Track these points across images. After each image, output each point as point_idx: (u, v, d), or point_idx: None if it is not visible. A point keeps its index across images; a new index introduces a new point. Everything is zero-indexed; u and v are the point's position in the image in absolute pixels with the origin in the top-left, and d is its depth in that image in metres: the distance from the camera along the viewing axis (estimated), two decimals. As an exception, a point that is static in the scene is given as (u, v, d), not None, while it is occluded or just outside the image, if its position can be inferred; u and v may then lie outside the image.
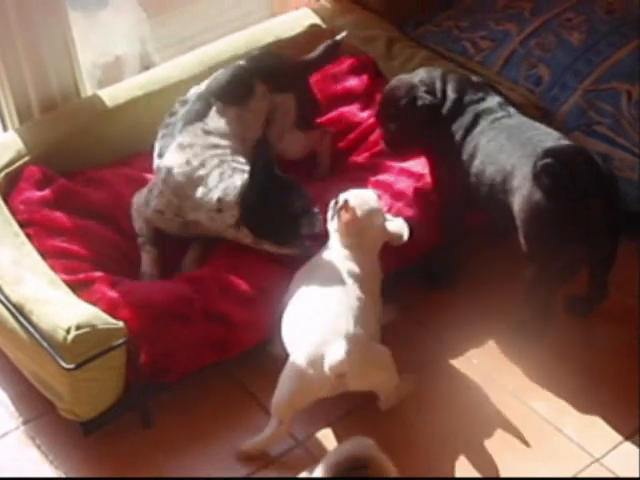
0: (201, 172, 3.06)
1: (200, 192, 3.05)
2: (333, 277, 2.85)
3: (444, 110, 3.09)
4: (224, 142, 3.15)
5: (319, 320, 2.75)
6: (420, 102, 3.08)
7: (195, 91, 3.26)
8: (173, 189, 3.10)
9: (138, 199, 3.21)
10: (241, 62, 3.37)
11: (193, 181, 3.06)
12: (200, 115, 3.18)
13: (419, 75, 3.16)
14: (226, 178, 3.04)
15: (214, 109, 3.20)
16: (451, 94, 3.10)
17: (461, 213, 3.17)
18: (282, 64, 3.40)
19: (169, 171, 3.10)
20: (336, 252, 2.92)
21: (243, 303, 2.98)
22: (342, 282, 2.83)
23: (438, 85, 3.12)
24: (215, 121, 3.18)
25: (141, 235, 3.19)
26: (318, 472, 2.32)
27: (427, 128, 3.10)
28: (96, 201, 3.25)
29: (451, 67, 3.47)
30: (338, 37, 3.47)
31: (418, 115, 3.09)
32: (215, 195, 3.03)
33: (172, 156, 3.11)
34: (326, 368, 2.65)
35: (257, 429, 2.84)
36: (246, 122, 3.24)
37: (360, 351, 2.69)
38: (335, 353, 2.65)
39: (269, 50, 3.64)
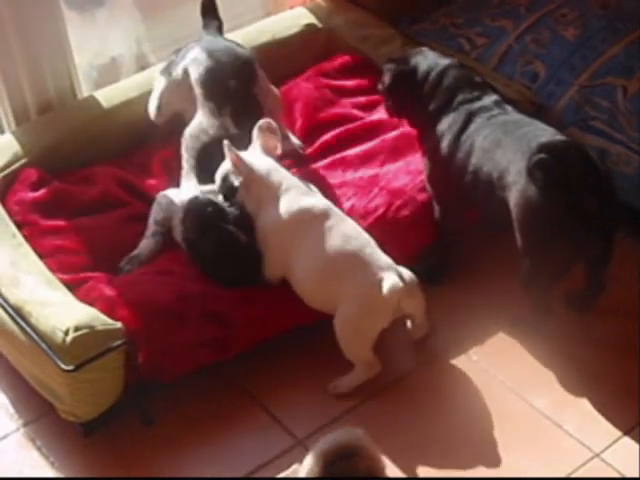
0: None
1: None
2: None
3: (431, 106, 3.11)
4: None
5: (358, 257, 2.91)
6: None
7: None
8: None
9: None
10: None
11: None
12: None
13: (421, 56, 3.20)
14: None
15: None
16: (443, 90, 3.11)
17: (457, 209, 3.17)
18: None
19: None
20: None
21: (242, 302, 2.98)
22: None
23: (433, 75, 3.13)
24: None
25: (157, 225, 3.19)
26: (307, 461, 2.30)
27: (409, 105, 3.18)
28: (88, 198, 3.26)
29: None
30: None
31: (399, 88, 3.18)
32: None
33: None
34: (385, 293, 2.84)
35: (258, 429, 2.85)
36: None
37: (403, 275, 2.91)
38: (390, 279, 2.86)
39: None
